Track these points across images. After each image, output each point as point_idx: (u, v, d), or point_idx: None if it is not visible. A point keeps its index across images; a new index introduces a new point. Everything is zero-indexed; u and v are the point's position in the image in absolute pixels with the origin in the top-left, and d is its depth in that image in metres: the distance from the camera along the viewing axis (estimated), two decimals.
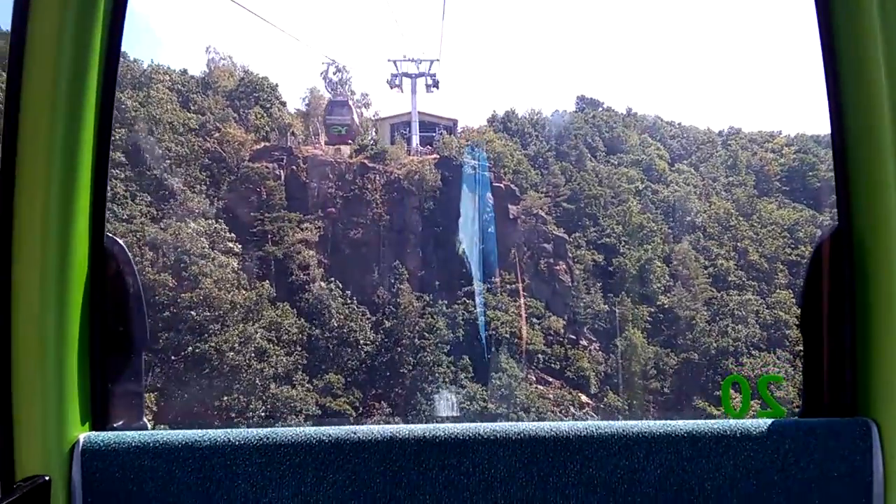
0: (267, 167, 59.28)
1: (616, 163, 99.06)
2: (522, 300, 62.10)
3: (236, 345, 43.15)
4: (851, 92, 1.89)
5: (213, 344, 42.40)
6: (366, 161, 63.53)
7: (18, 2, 1.84)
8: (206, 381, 41.40)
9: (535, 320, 60.57)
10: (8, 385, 1.94)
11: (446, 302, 56.99)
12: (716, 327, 71.41)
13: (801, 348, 2.11)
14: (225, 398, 41.33)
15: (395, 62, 76.28)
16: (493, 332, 56.77)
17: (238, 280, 47.23)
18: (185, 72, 73.84)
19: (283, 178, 59.54)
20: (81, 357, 2.04)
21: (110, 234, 2.15)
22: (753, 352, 71.07)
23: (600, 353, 65.48)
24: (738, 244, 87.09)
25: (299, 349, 48.36)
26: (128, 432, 2.09)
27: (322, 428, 2.13)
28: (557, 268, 65.86)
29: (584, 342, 65.03)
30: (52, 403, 1.98)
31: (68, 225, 1.98)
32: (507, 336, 57.06)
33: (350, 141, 65.23)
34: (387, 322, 54.93)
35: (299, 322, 49.94)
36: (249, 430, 2.12)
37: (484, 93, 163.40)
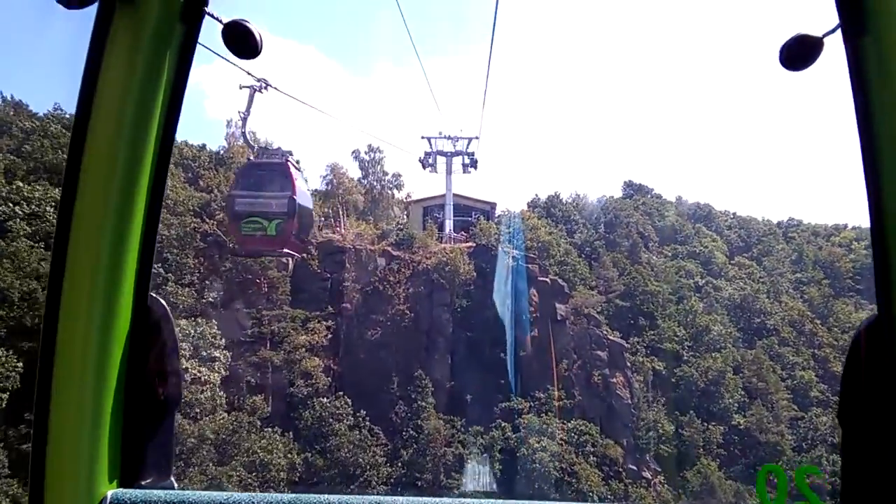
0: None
1: (670, 254, 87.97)
2: (559, 424, 49.77)
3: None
4: (888, 174, 1.80)
5: None
6: (389, 248, 53.50)
7: (86, 74, 1.89)
8: None
9: (589, 448, 48.08)
10: (44, 437, 1.94)
11: (480, 428, 45.17)
12: (806, 457, 57.86)
13: (840, 441, 1.98)
14: None
15: (429, 139, 67.68)
16: (538, 466, 44.45)
17: (213, 400, 36.35)
18: (203, 147, 66.33)
19: (289, 267, 49.62)
20: (115, 413, 2.02)
21: (153, 294, 2.13)
22: None
23: (667, 487, 52.30)
24: (817, 352, 73.75)
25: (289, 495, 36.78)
26: (155, 491, 2.08)
27: (346, 497, 2.11)
28: (614, 381, 53.76)
29: (647, 474, 52.00)
30: (85, 458, 1.97)
31: (115, 282, 1.99)
32: (557, 472, 44.62)
33: (289, 255, 31.73)
34: (405, 451, 43.18)
35: (290, 455, 38.50)
36: (274, 494, 2.10)
37: (524, 175, 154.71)
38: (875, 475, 1.90)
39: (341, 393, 43.95)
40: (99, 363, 1.96)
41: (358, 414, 43.13)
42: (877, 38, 1.73)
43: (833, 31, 1.77)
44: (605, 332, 55.91)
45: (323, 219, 55.38)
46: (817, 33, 1.79)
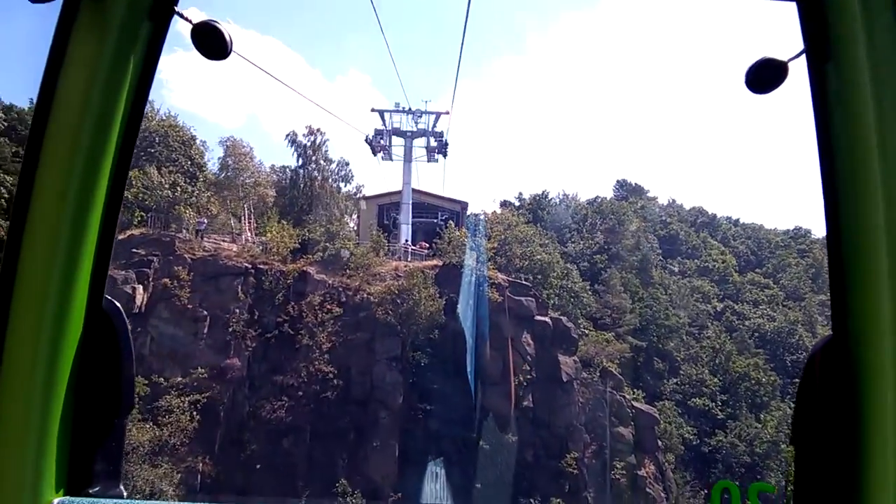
0: (112, 277, 29.50)
1: (677, 268, 70.31)
2: None
3: None
4: (846, 195, 1.79)
5: None
6: (310, 270, 33.97)
7: (48, 69, 1.79)
8: None
9: None
10: None
11: None
12: None
13: (793, 463, 1.94)
14: None
15: (381, 113, 48.26)
16: None
17: None
18: None
19: (138, 300, 29.71)
20: (64, 419, 1.91)
21: (109, 297, 1.99)
22: None
23: None
24: None
25: None
26: (102, 499, 1.97)
27: None
28: (642, 472, 35.27)
29: None
30: (30, 464, 1.84)
31: (69, 283, 1.87)
32: None
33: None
34: None
35: None
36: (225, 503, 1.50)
37: (499, 170, 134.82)
38: (826, 496, 1.84)
39: None
40: (49, 366, 1.82)
41: None
42: (838, 64, 1.74)
43: (798, 55, 1.77)
44: (628, 398, 37.31)
45: (207, 220, 35.45)
46: (783, 57, 1.78)
